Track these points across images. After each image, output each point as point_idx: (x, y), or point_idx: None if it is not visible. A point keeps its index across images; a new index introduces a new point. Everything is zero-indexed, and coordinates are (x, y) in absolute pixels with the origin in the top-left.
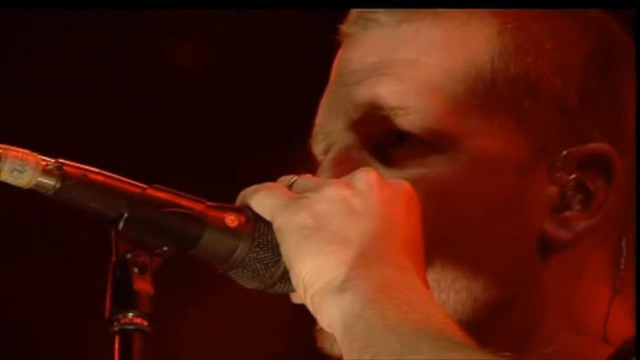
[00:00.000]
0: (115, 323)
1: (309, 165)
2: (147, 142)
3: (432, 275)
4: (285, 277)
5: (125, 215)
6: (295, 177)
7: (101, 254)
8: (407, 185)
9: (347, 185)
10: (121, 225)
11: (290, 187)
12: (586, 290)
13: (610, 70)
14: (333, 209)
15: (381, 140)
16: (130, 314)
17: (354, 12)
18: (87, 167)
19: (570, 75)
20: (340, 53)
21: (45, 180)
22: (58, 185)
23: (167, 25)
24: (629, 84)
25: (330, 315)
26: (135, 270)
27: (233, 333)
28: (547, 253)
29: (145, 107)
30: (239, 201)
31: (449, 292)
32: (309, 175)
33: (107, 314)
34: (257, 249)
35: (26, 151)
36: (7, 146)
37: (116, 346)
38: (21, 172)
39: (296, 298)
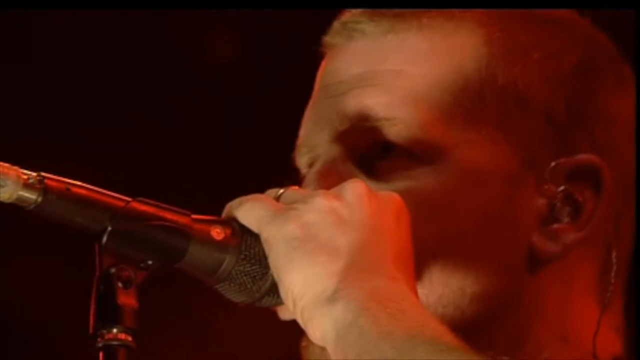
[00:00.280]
0: (99, 339)
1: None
2: (141, 152)
3: (420, 289)
4: (273, 290)
5: (109, 229)
6: (283, 190)
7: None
8: (396, 196)
9: (336, 196)
10: (105, 239)
11: (277, 199)
12: (575, 302)
13: (598, 80)
14: (322, 219)
15: (367, 152)
16: (115, 330)
17: (337, 23)
18: (69, 181)
19: (558, 85)
20: (324, 64)
21: (27, 195)
22: (40, 199)
23: (168, 27)
24: (616, 94)
25: (322, 326)
26: (120, 284)
27: (220, 347)
28: (535, 265)
29: (143, 114)
30: (225, 213)
31: (437, 305)
32: (297, 188)
33: (91, 329)
34: (244, 262)
35: (7, 165)
36: None
37: None
38: (2, 186)
39: (284, 313)
